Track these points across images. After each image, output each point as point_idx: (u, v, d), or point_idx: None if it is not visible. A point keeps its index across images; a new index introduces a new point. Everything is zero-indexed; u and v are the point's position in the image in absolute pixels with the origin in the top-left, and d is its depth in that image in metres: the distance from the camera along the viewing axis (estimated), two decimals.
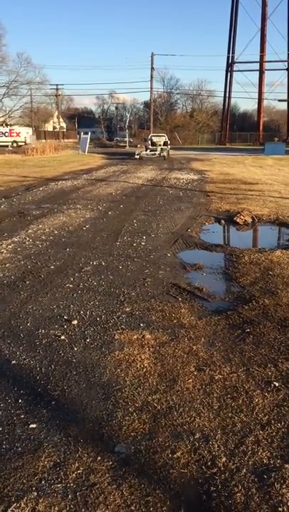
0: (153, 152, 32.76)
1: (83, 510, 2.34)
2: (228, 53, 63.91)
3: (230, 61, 63.76)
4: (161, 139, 36.43)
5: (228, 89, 65.59)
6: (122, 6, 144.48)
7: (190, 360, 3.85)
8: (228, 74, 64.54)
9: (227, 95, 66.44)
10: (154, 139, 36.71)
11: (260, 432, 2.93)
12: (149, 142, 36.71)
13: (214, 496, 2.42)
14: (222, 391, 3.40)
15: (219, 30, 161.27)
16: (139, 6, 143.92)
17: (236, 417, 3.08)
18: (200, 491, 2.46)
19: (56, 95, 70.04)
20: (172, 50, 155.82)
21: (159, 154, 31.80)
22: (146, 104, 72.94)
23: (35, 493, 2.43)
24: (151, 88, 57.67)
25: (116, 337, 4.27)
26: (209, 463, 2.65)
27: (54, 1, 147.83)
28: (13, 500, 2.39)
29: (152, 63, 55.87)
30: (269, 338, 4.28)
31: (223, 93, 67.59)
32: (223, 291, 5.68)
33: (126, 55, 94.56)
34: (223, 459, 2.68)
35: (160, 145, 34.21)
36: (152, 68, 56.35)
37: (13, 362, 3.82)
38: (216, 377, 3.59)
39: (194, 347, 4.08)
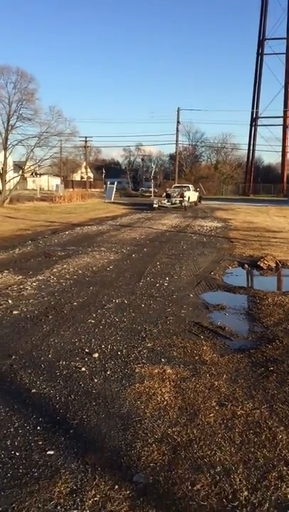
0: (172, 201, 32.07)
1: None
2: (253, 108, 65.79)
3: (254, 116, 65.50)
4: (176, 190, 34.61)
5: (252, 143, 67.12)
6: (150, 61, 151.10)
7: (211, 396, 3.77)
8: (252, 128, 66.17)
9: (251, 148, 67.92)
10: (169, 191, 35.17)
11: (284, 467, 2.82)
12: (165, 193, 35.63)
13: None
14: (244, 426, 3.30)
15: (244, 85, 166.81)
16: (167, 60, 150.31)
17: (259, 452, 2.98)
18: None
19: (85, 147, 72.52)
20: (198, 105, 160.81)
21: (180, 204, 31.37)
22: (172, 157, 74.77)
23: None
24: (176, 141, 59.31)
25: (137, 370, 4.23)
26: (230, 496, 2.55)
27: (86, 58, 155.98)
28: None
29: (178, 117, 57.73)
30: None
31: (247, 146, 69.22)
32: (246, 331, 5.60)
33: (153, 109, 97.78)
34: (245, 493, 2.58)
35: (174, 196, 32.75)
36: (178, 122, 58.15)
37: (33, 391, 3.81)
38: (238, 413, 3.50)
39: (216, 383, 4.01)
